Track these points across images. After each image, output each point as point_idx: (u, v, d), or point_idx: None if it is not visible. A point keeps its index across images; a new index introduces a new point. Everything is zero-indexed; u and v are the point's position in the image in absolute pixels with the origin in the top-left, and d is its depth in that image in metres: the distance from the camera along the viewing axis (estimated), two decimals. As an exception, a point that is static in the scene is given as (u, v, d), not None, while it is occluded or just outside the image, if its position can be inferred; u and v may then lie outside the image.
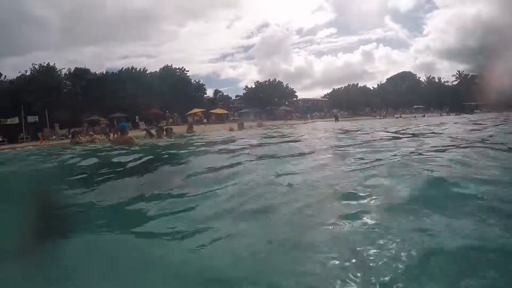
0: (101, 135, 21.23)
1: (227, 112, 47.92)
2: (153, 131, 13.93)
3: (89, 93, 40.65)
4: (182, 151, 6.10)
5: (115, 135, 20.62)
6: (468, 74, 68.64)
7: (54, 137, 30.94)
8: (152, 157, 5.61)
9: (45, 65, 39.03)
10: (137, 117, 39.14)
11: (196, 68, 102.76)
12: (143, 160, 4.86)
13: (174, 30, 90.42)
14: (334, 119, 35.51)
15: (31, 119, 32.92)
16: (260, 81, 58.83)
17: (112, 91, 39.83)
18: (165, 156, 5.80)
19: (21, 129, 31.38)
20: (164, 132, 14.21)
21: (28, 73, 38.59)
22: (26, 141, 29.63)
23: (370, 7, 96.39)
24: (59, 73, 40.59)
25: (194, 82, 52.31)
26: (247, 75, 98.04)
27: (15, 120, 32.05)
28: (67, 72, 41.85)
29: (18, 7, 62.70)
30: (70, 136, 17.10)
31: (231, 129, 16.23)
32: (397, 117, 38.95)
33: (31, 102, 34.13)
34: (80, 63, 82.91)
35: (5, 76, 38.40)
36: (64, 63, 72.78)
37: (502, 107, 51.54)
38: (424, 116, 38.52)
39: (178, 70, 49.99)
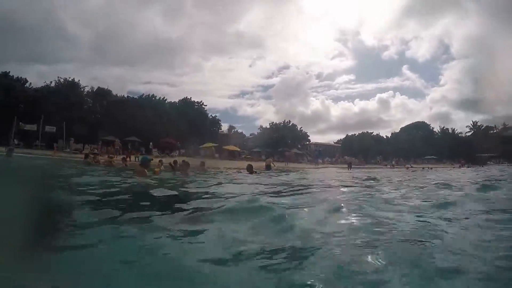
0: (115, 156, 21.22)
1: (239, 149, 47.80)
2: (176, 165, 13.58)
3: (108, 114, 41.07)
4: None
5: (128, 159, 20.72)
6: (482, 125, 68.97)
7: (68, 150, 30.84)
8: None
9: (70, 79, 39.90)
10: (151, 143, 39.10)
11: (215, 102, 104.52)
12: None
13: (198, 62, 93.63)
14: (347, 166, 34.91)
15: (48, 128, 33.13)
16: (275, 122, 59.59)
17: (131, 115, 40.09)
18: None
19: (38, 137, 31.44)
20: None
21: (53, 84, 39.43)
22: (41, 149, 29.61)
23: (389, 56, 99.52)
24: (82, 89, 41.36)
25: (211, 117, 52.85)
26: (263, 114, 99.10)
27: (34, 127, 32.21)
28: (89, 90, 42.76)
29: (55, 20, 65.77)
30: (83, 155, 16.91)
31: (238, 171, 15.81)
32: (407, 167, 38.43)
33: (51, 112, 34.37)
34: (103, 82, 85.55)
35: (30, 83, 39.20)
36: (88, 79, 74.93)
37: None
38: (431, 168, 37.90)
39: (196, 104, 50.79)
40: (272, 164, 26.16)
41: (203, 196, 5.64)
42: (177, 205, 4.37)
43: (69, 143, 32.63)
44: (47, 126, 32.93)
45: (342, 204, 4.50)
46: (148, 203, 4.55)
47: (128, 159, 20.71)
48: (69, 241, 2.62)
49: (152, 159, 13.57)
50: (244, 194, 5.86)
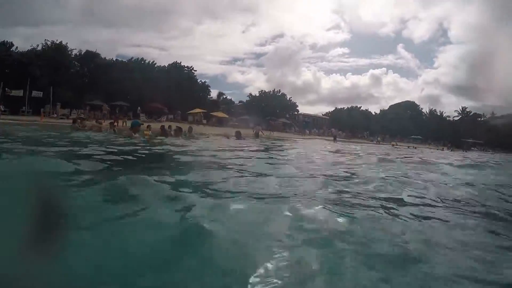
0: (103, 121, 21.80)
1: (227, 116, 48.41)
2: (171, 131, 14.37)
3: (95, 77, 41.14)
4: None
5: (116, 124, 21.28)
6: (471, 112, 70.22)
7: (55, 115, 31.31)
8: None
9: (57, 42, 39.49)
10: (139, 108, 39.61)
11: (205, 67, 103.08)
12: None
13: (189, 26, 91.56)
14: (332, 138, 36.02)
15: (35, 93, 33.31)
16: (265, 90, 59.90)
17: (119, 79, 40.12)
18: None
19: (24, 103, 31.76)
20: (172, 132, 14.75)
21: (40, 47, 39.01)
22: (28, 115, 30.07)
23: (385, 33, 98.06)
24: (69, 52, 41.04)
25: (200, 82, 52.97)
26: (254, 82, 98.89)
27: (20, 92, 32.38)
28: (77, 53, 42.42)
29: None
30: (72, 121, 17.32)
31: (227, 137, 16.26)
32: (392, 145, 39.68)
33: (38, 77, 34.43)
34: (92, 45, 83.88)
35: (16, 47, 38.80)
36: (77, 42, 73.35)
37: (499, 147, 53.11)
38: (415, 148, 39.36)
39: (186, 68, 50.63)
40: (260, 133, 27.35)
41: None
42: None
43: (56, 108, 33.01)
44: (33, 91, 33.10)
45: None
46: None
47: (116, 124, 21.16)
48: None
49: (142, 124, 14.53)
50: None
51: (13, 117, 25.88)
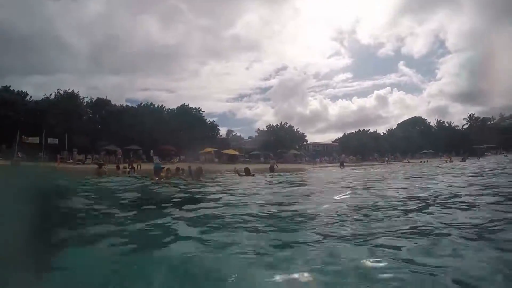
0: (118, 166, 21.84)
1: (238, 153, 48.40)
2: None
3: (107, 123, 41.67)
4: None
5: (133, 167, 21.31)
6: (479, 117, 69.92)
7: (71, 161, 31.36)
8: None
9: (69, 91, 40.40)
10: (152, 151, 39.74)
11: (213, 106, 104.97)
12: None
13: (196, 68, 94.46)
14: (339, 165, 35.63)
15: (51, 141, 33.57)
16: (272, 124, 60.31)
17: (130, 124, 40.72)
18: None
19: (41, 149, 31.89)
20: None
21: (52, 96, 39.98)
22: (44, 161, 30.12)
23: (385, 53, 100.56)
24: (81, 100, 41.87)
25: (209, 122, 53.48)
26: (262, 116, 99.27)
27: (36, 140, 32.58)
28: (89, 101, 43.29)
29: (51, 31, 66.68)
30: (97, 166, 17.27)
31: (237, 173, 15.78)
32: (404, 162, 39.43)
33: (53, 124, 34.90)
34: (102, 91, 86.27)
35: (30, 97, 39.88)
36: (87, 89, 76.04)
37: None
38: (427, 161, 39.14)
39: (194, 110, 51.40)
40: (275, 166, 27.09)
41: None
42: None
43: (73, 154, 33.08)
44: (49, 138, 33.38)
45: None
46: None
47: (133, 167, 21.19)
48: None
49: (164, 167, 15.24)
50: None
51: (30, 164, 26.01)
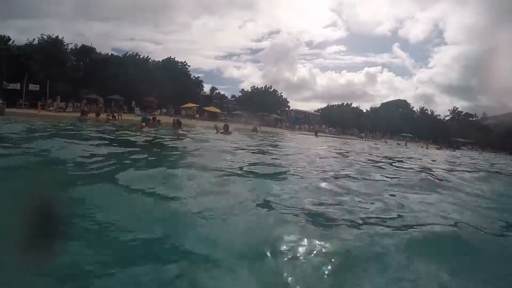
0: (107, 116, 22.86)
1: (219, 111, 49.62)
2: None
3: (91, 71, 42.14)
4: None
5: (114, 116, 22.56)
6: (462, 112, 71.98)
7: (52, 108, 32.28)
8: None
9: (53, 37, 40.31)
10: (133, 102, 40.78)
11: (201, 62, 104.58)
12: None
13: (186, 21, 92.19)
14: (314, 134, 37.27)
15: (32, 87, 34.27)
16: (257, 86, 61.00)
17: (114, 74, 41.23)
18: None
19: (21, 96, 32.68)
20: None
21: (36, 41, 39.83)
22: (24, 107, 31.04)
23: (382, 32, 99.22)
24: (65, 47, 41.87)
25: (193, 77, 53.96)
26: (249, 77, 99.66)
27: (17, 86, 33.29)
28: (73, 47, 43.26)
29: None
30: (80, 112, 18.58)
31: (216, 129, 16.03)
32: (384, 141, 41.27)
33: (35, 71, 35.40)
34: (88, 38, 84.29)
35: (13, 41, 39.80)
36: (72, 34, 74.00)
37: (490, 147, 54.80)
38: (406, 144, 41.31)
39: (180, 64, 51.61)
40: (258, 128, 28.76)
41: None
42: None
43: (57, 101, 33.87)
44: (30, 84, 34.02)
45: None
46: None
47: (112, 117, 22.22)
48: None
49: (150, 119, 16.19)
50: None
51: (10, 110, 26.89)
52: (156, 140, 9.57)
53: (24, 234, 1.81)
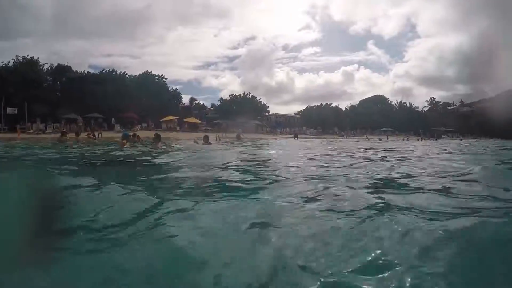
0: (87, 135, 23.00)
1: (200, 121, 50.27)
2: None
3: (68, 91, 42.08)
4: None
5: (94, 135, 22.95)
6: (440, 101, 74.90)
7: (31, 131, 32.22)
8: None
9: (28, 57, 40.32)
10: (113, 119, 41.02)
11: (178, 73, 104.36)
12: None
13: (161, 33, 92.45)
14: (293, 136, 38.16)
15: (10, 110, 34.21)
16: (235, 94, 62.05)
17: (91, 91, 41.24)
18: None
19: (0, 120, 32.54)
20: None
21: (11, 63, 39.72)
22: (4, 132, 30.91)
23: (355, 31, 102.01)
24: (41, 67, 41.85)
25: (171, 90, 54.53)
26: (228, 85, 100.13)
27: (-6, 110, 33.09)
28: (49, 67, 43.25)
29: None
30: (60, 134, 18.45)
31: (195, 141, 16.68)
32: (364, 138, 42.58)
33: (12, 93, 35.26)
34: (63, 56, 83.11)
35: (-11, 65, 39.37)
36: (47, 54, 73.02)
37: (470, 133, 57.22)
38: (387, 138, 42.80)
39: (157, 77, 52.16)
40: (241, 135, 29.51)
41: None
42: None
43: (37, 124, 34.04)
44: (8, 108, 33.93)
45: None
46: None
47: (93, 136, 22.52)
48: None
49: (130, 135, 16.25)
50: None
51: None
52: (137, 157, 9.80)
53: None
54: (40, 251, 1.93)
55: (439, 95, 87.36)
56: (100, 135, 27.21)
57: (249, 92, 61.99)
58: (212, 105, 64.35)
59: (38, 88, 38.76)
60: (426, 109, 75.74)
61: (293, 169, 6.25)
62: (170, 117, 46.26)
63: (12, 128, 31.36)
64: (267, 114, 65.05)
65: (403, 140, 40.08)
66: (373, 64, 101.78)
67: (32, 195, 3.20)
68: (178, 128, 44.80)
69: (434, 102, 75.43)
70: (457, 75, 73.17)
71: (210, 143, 15.42)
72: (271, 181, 4.53)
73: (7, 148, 13.01)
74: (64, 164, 6.92)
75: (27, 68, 38.98)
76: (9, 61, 39.78)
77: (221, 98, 63.10)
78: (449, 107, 74.63)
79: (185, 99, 59.13)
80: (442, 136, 56.47)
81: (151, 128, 40.09)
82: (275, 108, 70.19)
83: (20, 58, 39.79)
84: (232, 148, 15.22)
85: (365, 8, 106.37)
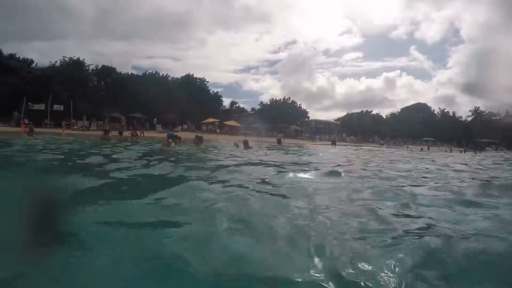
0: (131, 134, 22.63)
1: (239, 124, 49.27)
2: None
3: (112, 91, 42.54)
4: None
5: (137, 134, 22.19)
6: (484, 111, 69.41)
7: (75, 127, 32.62)
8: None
9: (75, 58, 41.21)
10: (155, 119, 40.86)
11: (219, 76, 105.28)
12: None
13: (203, 36, 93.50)
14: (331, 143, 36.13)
15: (56, 107, 34.78)
16: (276, 98, 60.59)
17: (134, 92, 41.51)
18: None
19: (46, 116, 33.05)
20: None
21: (58, 63, 40.85)
22: (50, 127, 31.28)
23: (397, 36, 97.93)
24: (87, 68, 42.68)
25: (212, 93, 54.07)
26: (269, 89, 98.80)
27: (42, 106, 33.75)
28: (94, 68, 44.08)
29: None
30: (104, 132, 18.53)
31: (236, 145, 16.18)
32: (405, 148, 39.91)
33: (58, 92, 35.91)
34: (107, 57, 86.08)
35: (36, 64, 40.84)
36: (91, 55, 75.53)
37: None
38: (428, 149, 39.84)
39: (198, 80, 51.85)
40: (282, 140, 28.13)
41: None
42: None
43: (83, 121, 34.53)
44: (55, 105, 34.51)
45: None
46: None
47: (136, 135, 22.03)
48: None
49: (176, 135, 16.12)
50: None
51: (37, 130, 26.99)
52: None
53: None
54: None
55: (484, 104, 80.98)
56: (142, 134, 26.61)
57: (289, 97, 60.40)
58: (252, 109, 63.21)
59: (84, 87, 39.35)
60: (469, 118, 70.47)
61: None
62: (210, 120, 45.65)
63: (57, 124, 31.63)
64: (307, 119, 62.91)
65: (446, 151, 36.47)
66: (415, 70, 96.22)
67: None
68: (218, 130, 44.03)
69: (478, 111, 70.00)
70: (502, 83, 67.16)
71: (251, 147, 15.36)
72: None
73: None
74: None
75: (73, 68, 39.65)
76: (56, 61, 40.98)
77: (261, 102, 62.12)
78: (493, 118, 68.89)
79: (226, 102, 58.41)
80: (486, 148, 51.90)
81: (191, 129, 39.60)
82: (315, 114, 68.17)
83: (67, 59, 40.70)
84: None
85: (406, 11, 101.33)
